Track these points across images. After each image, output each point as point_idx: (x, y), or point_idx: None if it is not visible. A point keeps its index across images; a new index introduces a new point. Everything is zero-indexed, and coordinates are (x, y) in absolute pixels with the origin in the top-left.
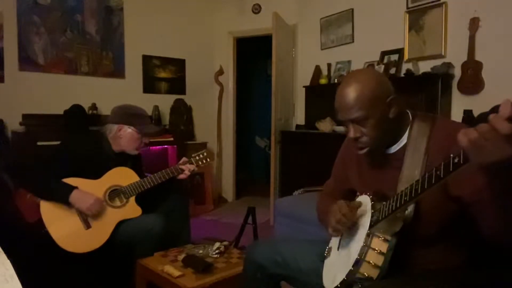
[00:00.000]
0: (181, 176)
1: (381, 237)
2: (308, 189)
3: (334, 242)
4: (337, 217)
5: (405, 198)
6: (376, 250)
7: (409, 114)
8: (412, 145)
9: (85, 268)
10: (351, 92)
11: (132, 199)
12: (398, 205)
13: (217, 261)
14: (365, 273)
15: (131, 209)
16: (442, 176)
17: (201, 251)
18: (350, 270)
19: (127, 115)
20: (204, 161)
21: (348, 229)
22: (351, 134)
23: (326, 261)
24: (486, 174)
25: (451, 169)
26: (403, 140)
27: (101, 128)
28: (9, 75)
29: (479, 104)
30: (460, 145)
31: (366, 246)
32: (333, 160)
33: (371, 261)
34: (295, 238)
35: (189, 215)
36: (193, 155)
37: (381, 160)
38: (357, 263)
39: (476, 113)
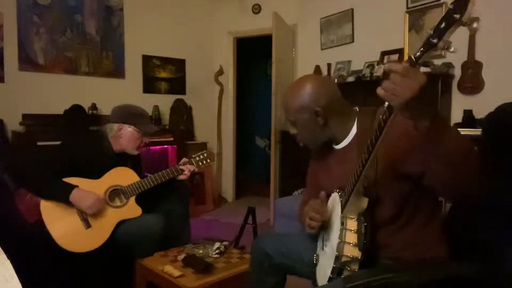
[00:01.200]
0: (181, 177)
1: (353, 217)
2: None
3: (319, 247)
4: (310, 215)
5: (360, 169)
6: (352, 230)
7: (356, 110)
8: (360, 136)
9: (85, 268)
10: (286, 99)
11: (132, 199)
12: (356, 178)
13: (217, 261)
14: (349, 255)
15: (131, 209)
16: (379, 134)
17: (201, 251)
18: (336, 255)
19: (128, 114)
20: (205, 162)
21: (323, 225)
22: (290, 130)
23: (317, 268)
24: (417, 131)
25: (382, 125)
26: (352, 134)
27: (102, 127)
28: (9, 75)
29: (479, 104)
30: (380, 97)
31: (344, 229)
32: None
33: (351, 242)
34: (299, 234)
35: (189, 215)
36: (193, 155)
37: (337, 156)
38: (340, 247)
39: (476, 113)
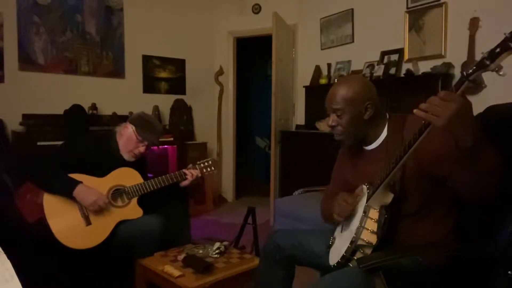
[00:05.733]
0: (184, 183)
1: (376, 208)
2: (308, 189)
3: (337, 231)
4: (339, 203)
5: (392, 166)
6: (373, 219)
7: (386, 115)
8: (390, 140)
9: (85, 268)
10: (338, 89)
11: (134, 200)
12: (387, 173)
13: (217, 261)
14: (365, 239)
15: (132, 210)
16: (418, 136)
17: (201, 251)
18: (353, 237)
19: (139, 117)
20: (209, 169)
21: (350, 213)
22: (329, 121)
23: (331, 249)
24: (457, 148)
25: (417, 136)
26: (382, 137)
27: (114, 127)
28: (9, 75)
29: (479, 104)
30: (419, 117)
31: (365, 216)
32: (332, 160)
33: (369, 228)
34: (311, 229)
35: (189, 215)
36: (198, 162)
37: (367, 156)
38: (358, 230)
39: (475, 113)
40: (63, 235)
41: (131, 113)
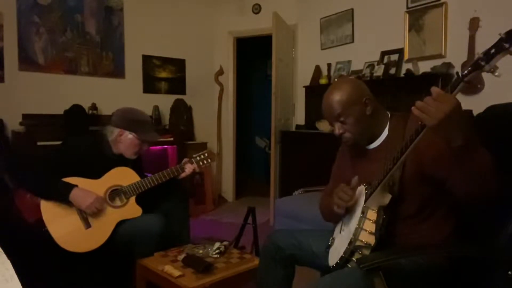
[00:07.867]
0: (182, 175)
1: (374, 209)
2: (308, 189)
3: (337, 232)
4: (338, 194)
5: (389, 167)
6: (371, 220)
7: (388, 114)
8: (391, 139)
9: (85, 268)
10: (331, 98)
11: (133, 199)
12: (384, 174)
13: (217, 261)
14: (363, 240)
15: (132, 209)
16: (414, 138)
17: (201, 251)
18: (351, 238)
19: (130, 120)
20: (205, 162)
21: (348, 207)
22: (336, 131)
23: (331, 250)
24: (449, 148)
25: (414, 137)
26: (383, 136)
27: (103, 129)
28: (9, 75)
29: (479, 104)
30: (415, 115)
31: (363, 217)
32: (332, 160)
33: (367, 229)
34: (310, 229)
35: (189, 215)
36: (194, 155)
37: (368, 155)
38: (357, 232)
39: (476, 114)
40: (64, 240)
41: None
